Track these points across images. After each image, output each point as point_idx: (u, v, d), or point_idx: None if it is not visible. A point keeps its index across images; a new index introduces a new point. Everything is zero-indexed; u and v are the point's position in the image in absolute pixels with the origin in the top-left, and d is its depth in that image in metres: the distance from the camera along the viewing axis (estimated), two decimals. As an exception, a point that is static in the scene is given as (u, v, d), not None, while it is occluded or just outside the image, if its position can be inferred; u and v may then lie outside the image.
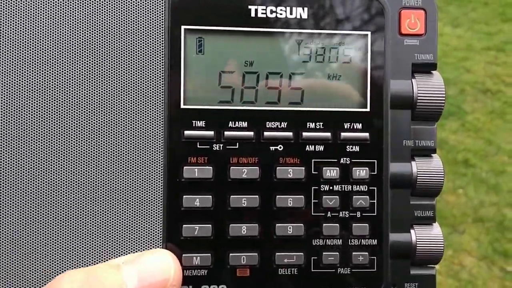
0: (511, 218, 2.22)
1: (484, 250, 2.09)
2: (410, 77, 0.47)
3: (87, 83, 0.44)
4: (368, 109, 0.47)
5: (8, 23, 0.43)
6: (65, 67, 0.44)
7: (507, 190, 2.35)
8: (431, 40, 0.48)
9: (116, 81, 0.44)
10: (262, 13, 0.46)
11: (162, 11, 0.45)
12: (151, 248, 0.44)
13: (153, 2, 0.45)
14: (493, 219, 2.22)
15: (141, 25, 0.44)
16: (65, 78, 0.44)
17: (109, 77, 0.44)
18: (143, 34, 0.44)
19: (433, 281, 0.47)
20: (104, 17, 0.44)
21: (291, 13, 0.46)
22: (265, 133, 0.46)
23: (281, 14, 0.46)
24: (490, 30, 3.43)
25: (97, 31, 0.44)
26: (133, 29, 0.44)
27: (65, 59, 0.44)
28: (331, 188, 0.46)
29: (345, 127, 0.46)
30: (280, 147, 0.46)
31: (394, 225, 0.47)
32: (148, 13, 0.45)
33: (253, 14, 0.46)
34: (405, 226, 0.47)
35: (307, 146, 0.46)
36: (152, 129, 0.44)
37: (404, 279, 0.47)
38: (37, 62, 0.43)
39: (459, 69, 3.05)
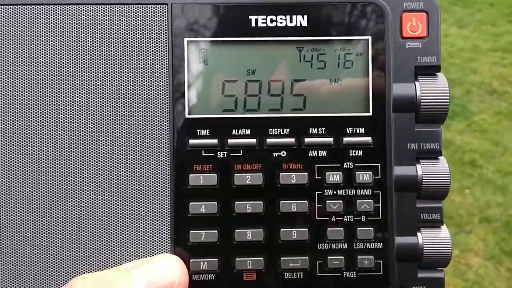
0: (518, 219, 2.22)
1: (491, 250, 2.08)
2: (413, 80, 0.47)
3: (93, 94, 0.45)
4: (370, 114, 0.47)
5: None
6: (74, 81, 0.45)
7: (514, 191, 2.34)
8: (434, 43, 0.47)
9: (122, 93, 0.45)
10: (262, 23, 0.47)
11: (165, 24, 0.46)
12: (159, 254, 0.45)
13: (156, 16, 0.46)
14: (500, 219, 2.21)
15: (144, 38, 0.46)
16: (74, 90, 0.45)
17: (116, 89, 0.45)
18: (147, 47, 0.46)
19: (442, 284, 0.47)
20: (110, 31, 0.45)
21: (291, 21, 0.47)
22: (268, 140, 0.46)
23: (281, 22, 0.47)
24: (496, 31, 3.42)
25: (104, 46, 0.45)
26: (137, 42, 0.46)
27: (73, 73, 0.45)
28: (334, 192, 0.47)
29: (348, 132, 0.47)
30: (283, 153, 0.47)
31: (400, 228, 0.47)
32: (151, 27, 0.46)
33: (253, 24, 0.47)
34: (411, 229, 0.47)
35: (310, 151, 0.47)
36: (159, 139, 0.46)
37: (411, 282, 0.47)
38: (57, 73, 0.45)
39: (465, 70, 3.05)
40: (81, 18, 0.45)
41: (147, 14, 0.46)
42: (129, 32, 0.46)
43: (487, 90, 2.93)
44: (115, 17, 0.45)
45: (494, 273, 1.99)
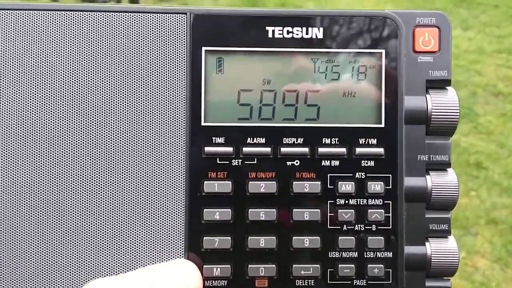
0: (525, 221, 2.21)
1: (498, 252, 2.07)
2: (425, 93, 0.48)
3: (111, 101, 0.46)
4: (382, 125, 0.48)
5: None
6: (92, 88, 0.46)
7: (520, 193, 2.34)
8: (445, 57, 0.49)
9: (140, 100, 0.46)
10: (279, 34, 0.47)
11: (184, 33, 0.47)
12: (173, 259, 0.46)
13: (175, 25, 0.47)
14: (506, 221, 2.20)
15: (164, 47, 0.46)
16: (91, 98, 0.46)
17: (134, 96, 0.46)
18: (166, 55, 0.46)
19: None
20: (129, 40, 0.46)
21: (307, 33, 0.47)
22: (282, 149, 0.47)
23: (297, 34, 0.47)
24: (501, 32, 3.41)
25: (122, 53, 0.46)
26: (156, 50, 0.46)
27: (94, 81, 0.46)
28: (346, 202, 0.47)
29: (360, 142, 0.47)
30: (297, 162, 0.47)
31: (409, 238, 0.47)
32: (170, 35, 0.46)
33: (270, 35, 0.47)
34: (420, 239, 0.48)
35: (323, 161, 0.47)
36: (174, 146, 0.46)
37: None
38: (73, 82, 0.46)
39: (470, 72, 3.04)
40: (103, 26, 0.46)
41: (166, 23, 0.47)
42: (149, 40, 0.46)
43: (492, 92, 2.93)
44: (135, 26, 0.46)
45: (500, 275, 1.99)
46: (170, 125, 0.46)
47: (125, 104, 0.46)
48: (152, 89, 0.46)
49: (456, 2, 3.71)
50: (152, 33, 0.46)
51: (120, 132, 0.46)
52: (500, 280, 1.97)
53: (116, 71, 0.46)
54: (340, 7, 3.23)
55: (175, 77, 0.46)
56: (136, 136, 0.46)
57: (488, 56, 3.19)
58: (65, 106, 0.46)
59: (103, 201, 0.45)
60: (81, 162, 0.45)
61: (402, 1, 3.76)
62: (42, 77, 0.46)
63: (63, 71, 0.46)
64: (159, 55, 0.46)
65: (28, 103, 0.45)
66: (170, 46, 0.47)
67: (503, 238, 2.13)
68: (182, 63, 0.47)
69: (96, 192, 0.45)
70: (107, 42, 0.46)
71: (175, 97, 0.46)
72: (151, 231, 0.46)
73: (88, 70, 0.46)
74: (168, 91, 0.46)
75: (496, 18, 3.58)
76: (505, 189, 2.35)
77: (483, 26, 3.48)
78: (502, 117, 2.77)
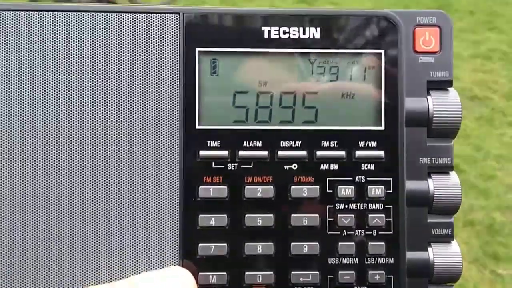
0: (501, 222, 2.24)
1: (475, 253, 2.10)
2: (426, 95, 0.47)
3: (103, 105, 0.44)
4: (382, 127, 0.47)
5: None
6: (86, 91, 0.44)
7: (496, 194, 2.37)
8: (447, 57, 0.47)
9: (133, 103, 0.45)
10: (275, 34, 0.46)
11: (177, 34, 0.45)
12: (168, 266, 0.45)
13: (168, 26, 0.45)
14: (482, 222, 2.23)
15: (156, 48, 0.45)
16: (83, 101, 0.44)
17: (126, 98, 0.45)
18: (159, 57, 0.45)
19: None
20: (121, 40, 0.45)
21: (304, 33, 0.46)
22: (279, 153, 0.46)
23: (294, 34, 0.46)
24: (477, 38, 3.47)
25: (114, 54, 0.45)
26: (148, 51, 0.45)
27: (86, 82, 0.44)
28: (346, 206, 0.46)
29: (360, 145, 0.46)
30: (295, 166, 0.46)
31: (411, 243, 0.46)
32: (163, 36, 0.45)
33: (266, 36, 0.46)
34: (422, 244, 0.46)
35: (322, 164, 0.46)
36: (168, 150, 0.45)
37: None
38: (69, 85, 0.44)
39: (446, 76, 3.08)
40: (93, 26, 0.45)
41: (159, 23, 0.45)
42: (141, 41, 0.45)
43: (468, 96, 2.97)
44: (127, 26, 0.45)
45: (478, 276, 2.01)
46: (164, 129, 0.45)
47: (117, 108, 0.45)
48: (145, 92, 0.45)
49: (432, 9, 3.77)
50: (144, 34, 0.45)
51: (112, 136, 0.44)
52: (477, 280, 1.99)
53: (106, 73, 0.45)
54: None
55: (168, 79, 0.45)
56: (129, 140, 0.45)
57: (463, 61, 3.23)
58: (56, 108, 0.44)
59: (95, 207, 0.44)
60: (72, 166, 0.44)
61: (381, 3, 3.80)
62: (30, 79, 0.44)
63: (52, 73, 0.44)
64: (152, 56, 0.45)
65: (18, 102, 0.44)
66: (163, 47, 0.45)
67: (480, 239, 2.16)
68: (175, 64, 0.45)
69: (88, 197, 0.44)
70: (97, 44, 0.45)
71: (168, 100, 0.45)
72: (144, 237, 0.44)
73: (80, 72, 0.44)
74: (161, 93, 0.45)
75: (472, 24, 3.64)
76: (481, 191, 2.39)
77: (459, 32, 3.53)
78: (478, 120, 2.81)
